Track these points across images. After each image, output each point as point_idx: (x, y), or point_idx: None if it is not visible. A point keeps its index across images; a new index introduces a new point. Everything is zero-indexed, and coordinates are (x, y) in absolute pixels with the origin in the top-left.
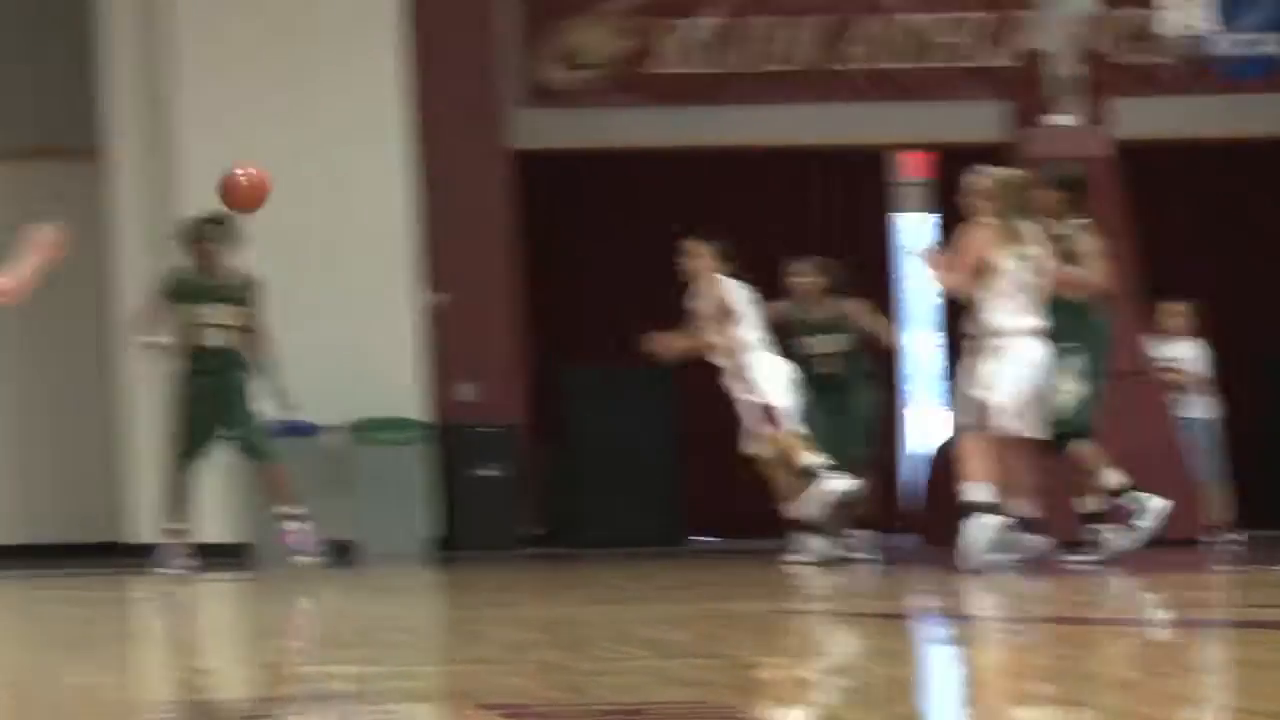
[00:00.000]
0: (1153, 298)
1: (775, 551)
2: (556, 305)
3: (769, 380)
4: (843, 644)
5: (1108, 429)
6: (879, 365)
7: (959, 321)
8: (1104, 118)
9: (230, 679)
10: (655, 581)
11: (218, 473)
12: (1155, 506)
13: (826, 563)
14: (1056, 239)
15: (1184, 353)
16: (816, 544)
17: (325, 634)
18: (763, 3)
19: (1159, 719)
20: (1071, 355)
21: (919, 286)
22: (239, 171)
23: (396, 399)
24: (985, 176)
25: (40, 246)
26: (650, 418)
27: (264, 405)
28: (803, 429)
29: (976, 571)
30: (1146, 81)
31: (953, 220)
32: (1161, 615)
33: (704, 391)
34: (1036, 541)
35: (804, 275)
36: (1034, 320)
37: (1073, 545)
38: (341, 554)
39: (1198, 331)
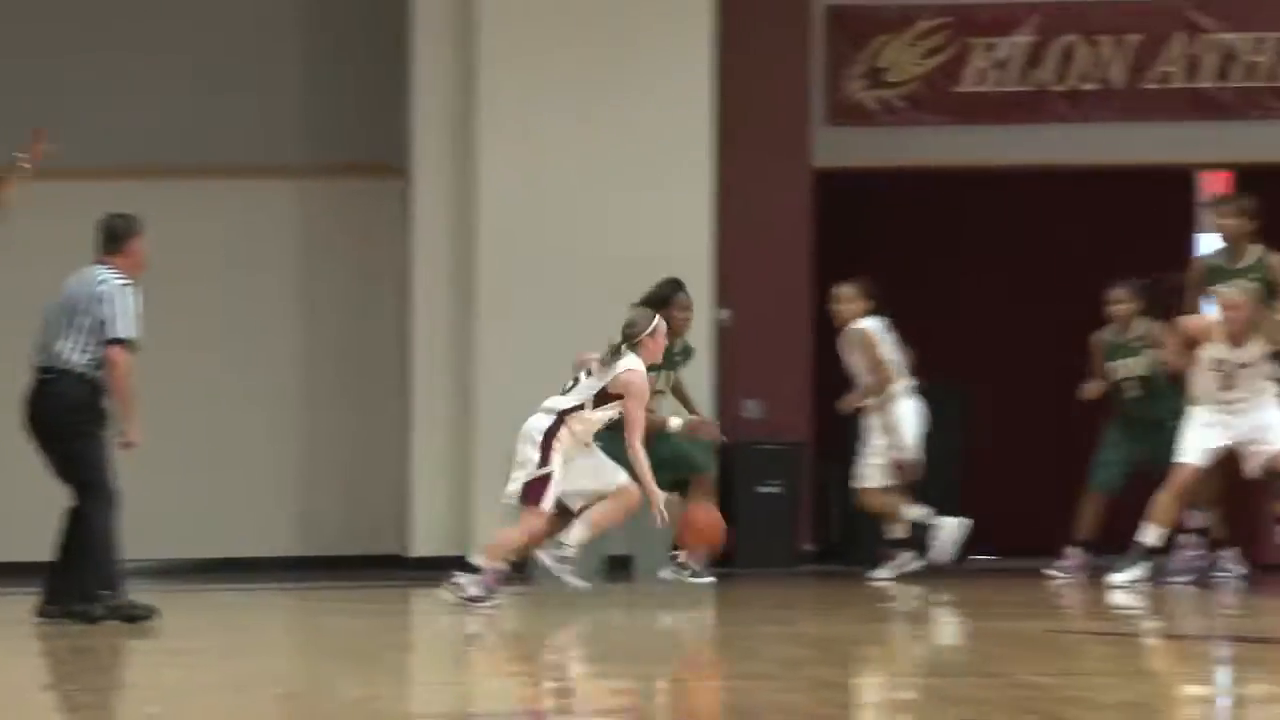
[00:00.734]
0: None
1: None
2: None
3: (906, 431)
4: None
5: None
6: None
7: None
8: None
9: (501, 691)
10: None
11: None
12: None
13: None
14: None
15: None
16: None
17: (601, 649)
18: (1072, 21)
19: None
20: None
21: None
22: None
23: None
24: None
25: None
26: (935, 435)
27: None
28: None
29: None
30: None
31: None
32: None
33: (995, 407)
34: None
35: (1120, 301)
36: None
37: None
38: (621, 569)
39: None
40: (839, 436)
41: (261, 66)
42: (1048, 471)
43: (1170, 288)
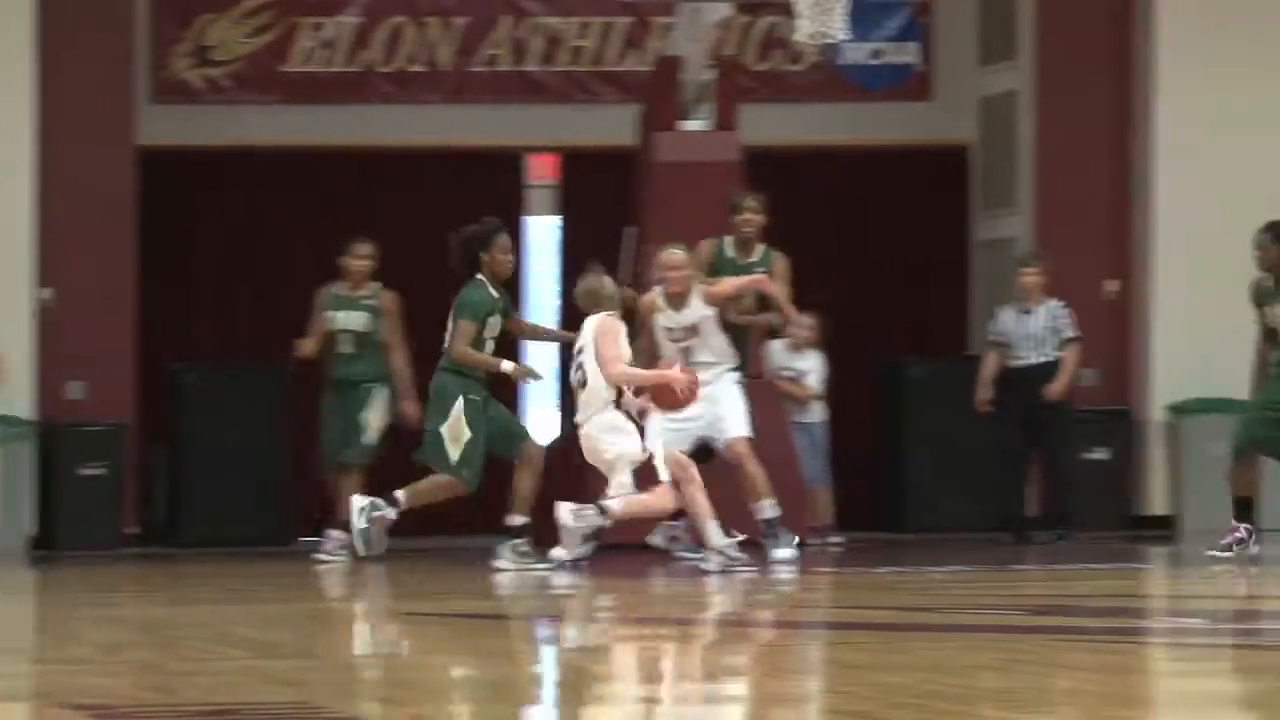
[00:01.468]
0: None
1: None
2: (179, 303)
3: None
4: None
5: None
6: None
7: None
8: (735, 123)
9: None
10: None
11: None
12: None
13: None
14: None
15: (808, 365)
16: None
17: None
18: (399, 3)
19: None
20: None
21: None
22: None
23: (6, 396)
24: None
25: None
26: (260, 417)
27: None
28: None
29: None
30: (777, 88)
31: (578, 223)
32: (764, 616)
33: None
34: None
35: (363, 257)
36: None
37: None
38: None
39: (821, 343)
40: (164, 418)
41: None
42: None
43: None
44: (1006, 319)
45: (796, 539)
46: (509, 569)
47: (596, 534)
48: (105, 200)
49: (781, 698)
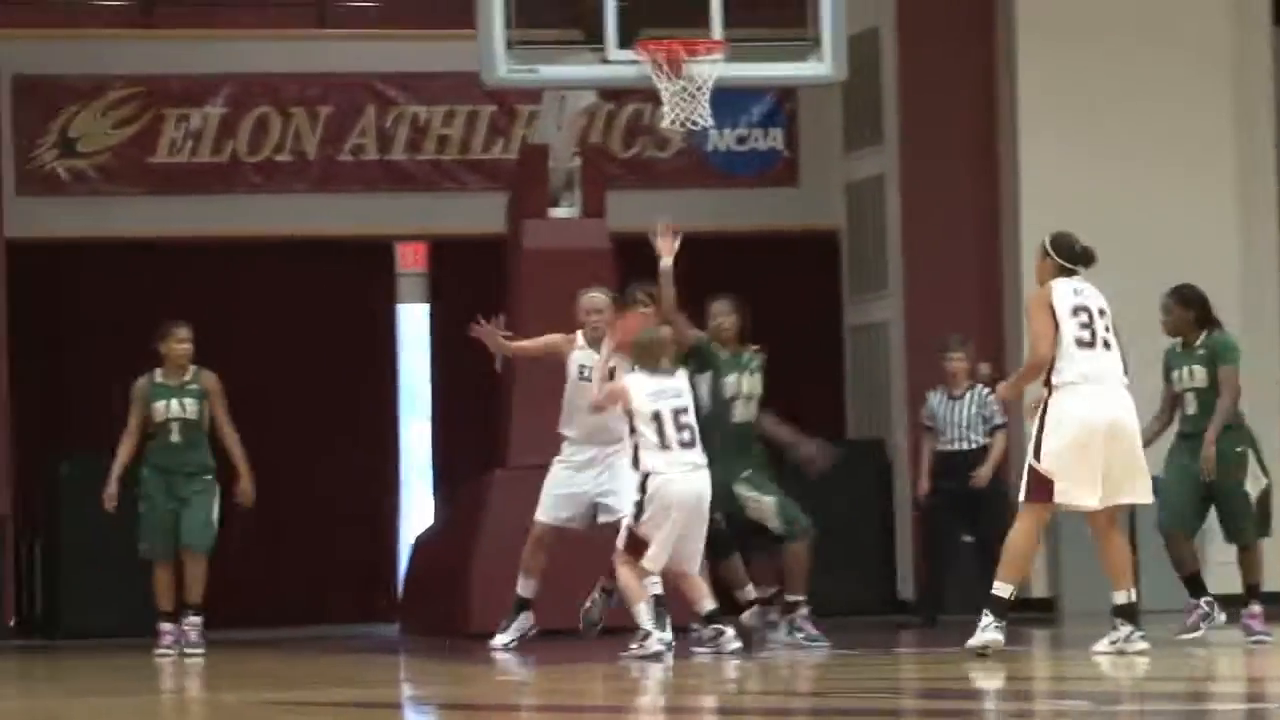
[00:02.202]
0: None
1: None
2: (53, 395)
3: None
4: None
5: None
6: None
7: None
8: (602, 210)
9: None
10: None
11: None
12: None
13: None
14: None
15: None
16: None
17: None
18: (264, 93)
19: None
20: None
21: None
22: None
23: None
24: None
25: None
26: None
27: None
28: None
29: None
30: (645, 174)
31: (448, 311)
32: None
33: None
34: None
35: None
36: None
37: None
38: None
39: None
40: (39, 510)
41: None
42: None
43: None
44: (935, 403)
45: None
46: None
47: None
48: None
49: None
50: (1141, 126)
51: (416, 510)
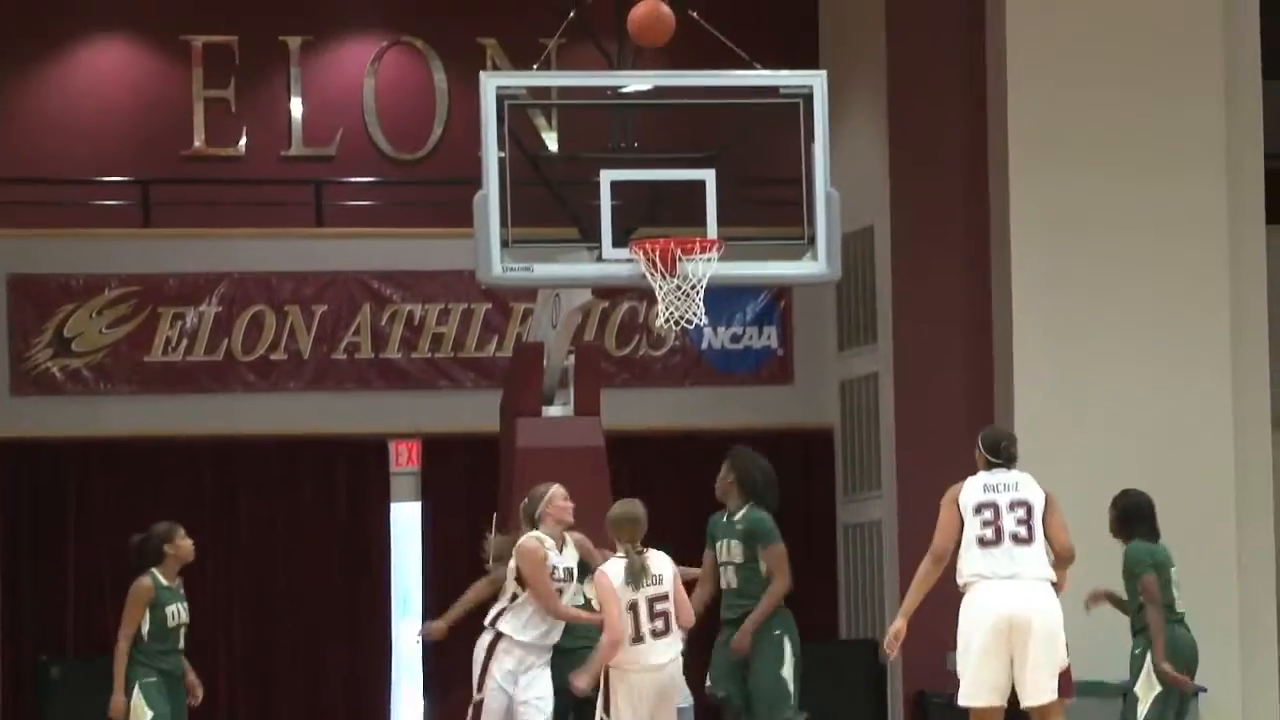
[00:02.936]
0: None
1: None
2: (45, 595)
3: None
4: None
5: None
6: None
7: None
8: (597, 408)
9: None
10: None
11: None
12: None
13: None
14: None
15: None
16: None
17: None
18: (259, 291)
19: None
20: None
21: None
22: None
23: None
24: None
25: None
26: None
27: None
28: None
29: None
30: (639, 373)
31: (440, 509)
32: None
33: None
34: None
35: None
36: None
37: None
38: None
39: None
40: (30, 711)
41: None
42: None
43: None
44: None
45: None
46: None
47: None
48: None
49: None
50: (1138, 313)
51: (407, 711)
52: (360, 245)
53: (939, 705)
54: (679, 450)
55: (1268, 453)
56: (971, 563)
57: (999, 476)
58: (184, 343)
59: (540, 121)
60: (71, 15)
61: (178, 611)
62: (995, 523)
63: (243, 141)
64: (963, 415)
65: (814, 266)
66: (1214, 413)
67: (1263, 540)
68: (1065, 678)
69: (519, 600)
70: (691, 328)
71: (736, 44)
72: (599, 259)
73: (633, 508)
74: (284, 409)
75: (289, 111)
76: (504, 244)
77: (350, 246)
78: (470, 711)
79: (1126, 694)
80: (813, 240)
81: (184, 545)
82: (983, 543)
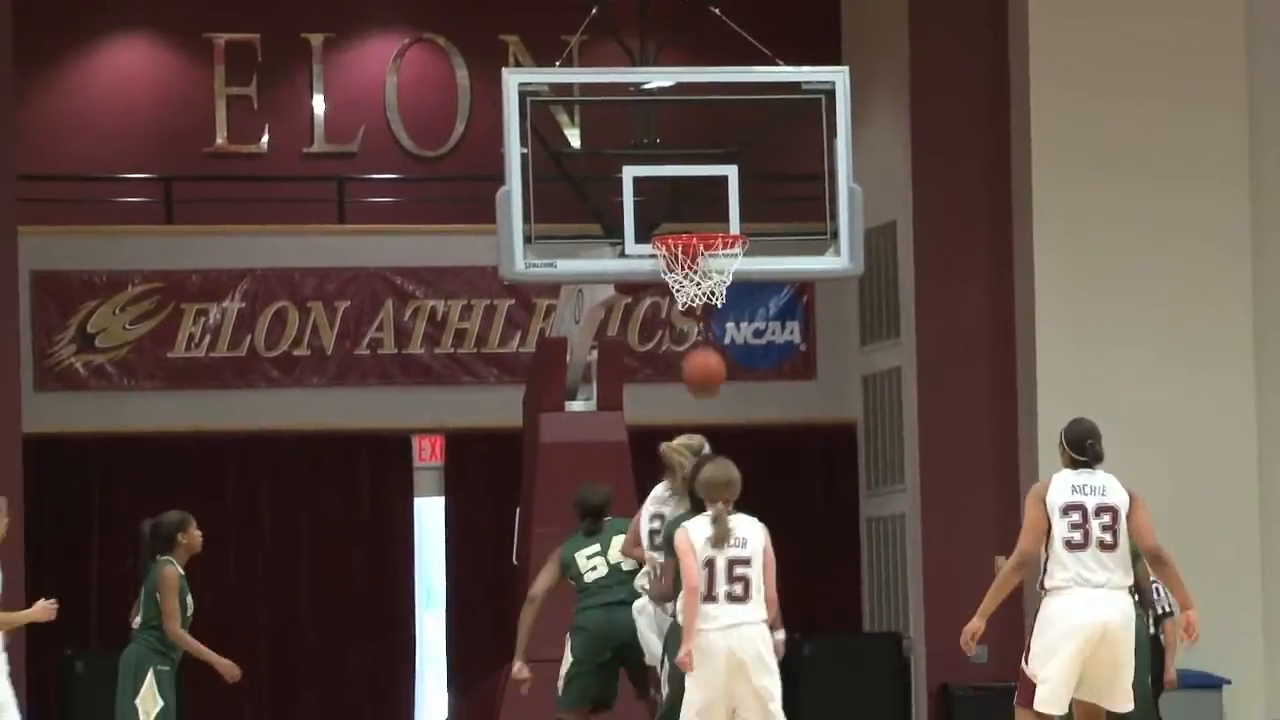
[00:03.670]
0: None
1: None
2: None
3: None
4: None
5: None
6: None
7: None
8: (620, 404)
9: None
10: None
11: None
12: None
13: None
14: None
15: None
16: None
17: None
18: (282, 288)
19: None
20: None
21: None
22: None
23: None
24: None
25: None
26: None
27: None
28: None
29: None
30: (661, 368)
31: (464, 504)
32: None
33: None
34: None
35: None
36: None
37: None
38: None
39: None
40: (55, 706)
41: None
42: None
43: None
44: None
45: None
46: None
47: None
48: None
49: None
50: (1160, 316)
51: (431, 705)
52: (383, 241)
53: (962, 698)
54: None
55: None
56: (1061, 567)
57: (1085, 478)
58: (207, 339)
59: (563, 118)
60: (94, 14)
61: (190, 603)
62: (1084, 525)
63: (265, 138)
64: (985, 410)
65: (836, 261)
66: (1237, 415)
67: None
68: None
69: None
70: (713, 307)
71: (759, 41)
72: (622, 255)
73: (724, 469)
74: (307, 404)
75: (311, 108)
76: (527, 240)
77: (373, 243)
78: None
79: None
80: (835, 235)
81: (195, 535)
82: (1070, 546)
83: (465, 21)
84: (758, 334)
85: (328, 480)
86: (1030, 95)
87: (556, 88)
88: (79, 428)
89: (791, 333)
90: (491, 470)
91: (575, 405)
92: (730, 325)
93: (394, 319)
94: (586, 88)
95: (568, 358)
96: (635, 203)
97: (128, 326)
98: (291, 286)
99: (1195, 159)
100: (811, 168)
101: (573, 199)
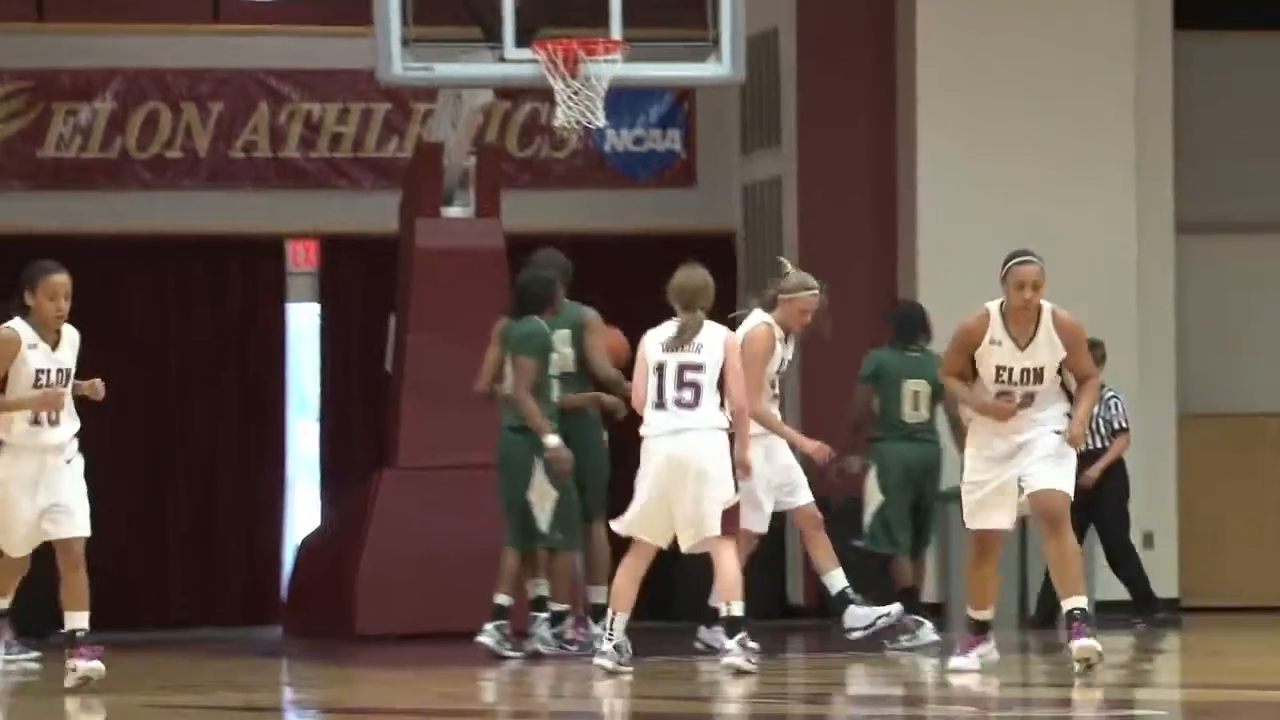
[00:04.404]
0: None
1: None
2: None
3: None
4: None
5: None
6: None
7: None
8: (497, 210)
9: None
10: None
11: None
12: None
13: None
14: None
15: None
16: None
17: None
18: (155, 88)
19: None
20: None
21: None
22: None
23: None
24: None
25: None
26: None
27: None
28: None
29: None
30: (540, 175)
31: (338, 310)
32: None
33: None
34: None
35: None
36: None
37: None
38: None
39: None
40: None
41: None
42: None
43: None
44: None
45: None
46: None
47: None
48: None
49: None
50: (1041, 124)
51: (303, 511)
52: (258, 43)
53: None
54: (580, 253)
55: (1170, 257)
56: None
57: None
58: (78, 139)
59: None
60: None
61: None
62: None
63: None
64: (867, 220)
65: (718, 68)
66: (1117, 224)
67: (1164, 341)
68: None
69: None
70: (592, 129)
71: None
72: (501, 59)
73: (695, 275)
74: (179, 207)
75: None
76: (404, 43)
77: (248, 44)
78: None
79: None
80: (716, 42)
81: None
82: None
83: None
84: (638, 141)
85: (199, 284)
86: None
87: None
88: None
89: (672, 140)
90: (366, 276)
91: (452, 211)
92: (610, 132)
93: (269, 121)
94: None
95: (445, 162)
96: (515, 6)
97: None
98: (164, 87)
99: None
100: None
101: (452, 1)
